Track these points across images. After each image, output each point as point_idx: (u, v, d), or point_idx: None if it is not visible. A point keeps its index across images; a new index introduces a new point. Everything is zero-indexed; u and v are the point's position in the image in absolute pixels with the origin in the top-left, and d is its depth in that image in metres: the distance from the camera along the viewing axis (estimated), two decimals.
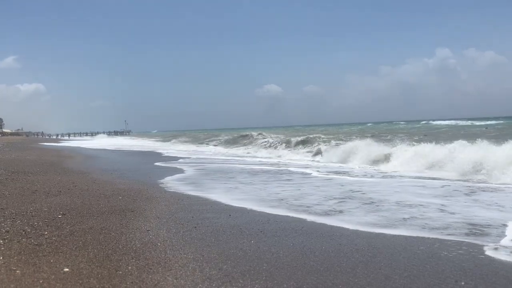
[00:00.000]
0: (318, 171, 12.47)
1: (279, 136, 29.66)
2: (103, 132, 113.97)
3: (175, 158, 19.25)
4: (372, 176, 10.91)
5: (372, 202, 6.92)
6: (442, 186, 8.67)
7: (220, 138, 37.39)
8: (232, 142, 33.07)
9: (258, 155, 22.00)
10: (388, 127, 51.90)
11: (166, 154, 22.86)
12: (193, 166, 14.80)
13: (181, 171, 13.00)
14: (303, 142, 23.35)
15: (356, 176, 11.09)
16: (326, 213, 6.11)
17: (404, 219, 5.65)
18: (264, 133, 32.14)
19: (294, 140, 24.69)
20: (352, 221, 5.57)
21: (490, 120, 52.41)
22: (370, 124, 79.65)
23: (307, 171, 12.61)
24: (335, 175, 11.19)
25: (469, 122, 49.30)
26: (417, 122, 65.24)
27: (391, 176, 10.80)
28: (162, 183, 9.62)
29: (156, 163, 16.23)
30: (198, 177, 11.31)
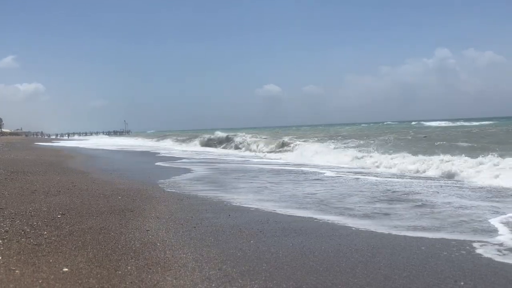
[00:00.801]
0: (334, 171, 12.53)
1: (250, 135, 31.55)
2: (103, 132, 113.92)
3: (176, 158, 19.20)
4: (399, 177, 10.82)
5: (424, 204, 6.69)
6: (480, 188, 8.61)
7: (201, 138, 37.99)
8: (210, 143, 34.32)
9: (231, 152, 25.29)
10: (368, 128, 53.29)
11: (165, 154, 22.83)
12: (201, 166, 14.75)
13: (188, 170, 12.94)
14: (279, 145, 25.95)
15: (376, 175, 11.16)
16: (381, 217, 5.79)
17: (463, 221, 5.48)
18: (240, 134, 33.82)
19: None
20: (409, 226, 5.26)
21: (486, 121, 52.80)
22: (364, 124, 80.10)
23: (320, 170, 12.65)
24: (354, 175, 11.16)
25: (467, 123, 49.53)
26: (409, 123, 66.29)
27: (418, 178, 10.65)
28: (171, 182, 9.61)
29: (158, 163, 16.18)
30: (215, 176, 11.36)
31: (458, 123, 49.68)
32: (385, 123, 77.85)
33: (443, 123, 52.09)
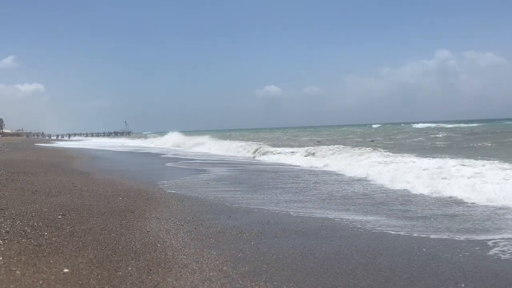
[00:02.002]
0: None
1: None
2: (103, 134, 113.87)
3: (186, 159, 19.08)
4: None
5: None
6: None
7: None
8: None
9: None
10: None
11: (168, 155, 22.80)
12: (215, 167, 14.63)
13: (203, 171, 12.81)
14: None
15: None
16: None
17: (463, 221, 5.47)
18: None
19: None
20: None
21: (484, 123, 53.59)
22: (361, 126, 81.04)
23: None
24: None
25: (462, 124, 50.10)
26: (398, 124, 68.16)
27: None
28: (181, 183, 9.61)
29: (168, 164, 16.13)
30: (244, 176, 11.33)
31: (448, 125, 50.48)
32: (373, 125, 77.69)
33: (432, 125, 53.17)
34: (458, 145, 21.57)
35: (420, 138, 29.21)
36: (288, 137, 40.08)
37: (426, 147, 21.47)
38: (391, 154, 14.29)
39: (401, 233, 4.98)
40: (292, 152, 18.86)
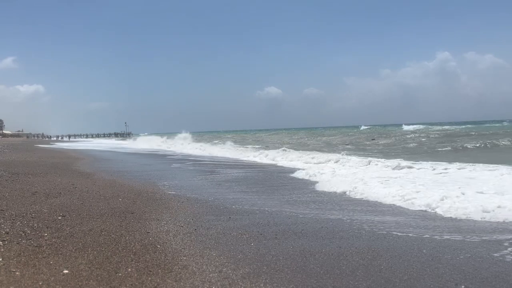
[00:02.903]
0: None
1: None
2: (103, 135, 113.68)
3: (184, 160, 19.13)
4: None
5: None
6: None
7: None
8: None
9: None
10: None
11: (172, 156, 22.82)
12: (220, 167, 14.54)
13: (212, 172, 12.75)
14: None
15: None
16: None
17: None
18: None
19: None
20: None
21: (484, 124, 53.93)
22: (355, 127, 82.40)
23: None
24: None
25: (463, 126, 50.36)
26: (389, 126, 70.83)
27: None
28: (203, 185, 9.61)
29: (174, 165, 16.12)
30: (242, 176, 11.33)
31: (436, 127, 51.03)
32: (361, 127, 77.96)
33: (420, 126, 53.74)
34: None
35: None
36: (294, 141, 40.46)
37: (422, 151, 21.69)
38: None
39: (403, 234, 4.98)
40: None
